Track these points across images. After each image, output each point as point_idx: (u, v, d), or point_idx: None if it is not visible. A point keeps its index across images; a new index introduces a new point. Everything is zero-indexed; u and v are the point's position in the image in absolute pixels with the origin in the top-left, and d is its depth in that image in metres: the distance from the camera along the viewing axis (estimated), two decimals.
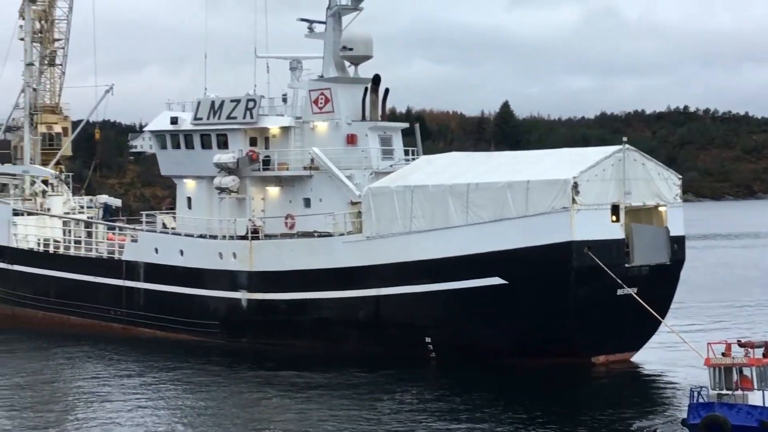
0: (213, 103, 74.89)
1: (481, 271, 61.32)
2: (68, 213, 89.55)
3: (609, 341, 60.87)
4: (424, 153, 74.52)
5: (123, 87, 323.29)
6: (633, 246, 61.28)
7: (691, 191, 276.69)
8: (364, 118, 72.53)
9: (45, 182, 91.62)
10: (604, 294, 59.70)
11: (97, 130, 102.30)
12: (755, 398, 41.66)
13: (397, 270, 64.42)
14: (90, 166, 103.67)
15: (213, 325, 72.54)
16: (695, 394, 42.45)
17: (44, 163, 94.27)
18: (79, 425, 49.54)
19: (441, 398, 53.90)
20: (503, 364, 60.36)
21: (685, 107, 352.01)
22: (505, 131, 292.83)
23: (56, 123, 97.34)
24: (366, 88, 72.80)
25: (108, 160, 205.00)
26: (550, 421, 48.58)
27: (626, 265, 60.82)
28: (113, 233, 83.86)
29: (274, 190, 73.52)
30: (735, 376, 42.12)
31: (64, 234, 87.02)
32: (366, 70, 73.71)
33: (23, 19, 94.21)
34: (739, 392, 41.89)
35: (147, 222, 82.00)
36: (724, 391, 42.09)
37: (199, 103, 75.69)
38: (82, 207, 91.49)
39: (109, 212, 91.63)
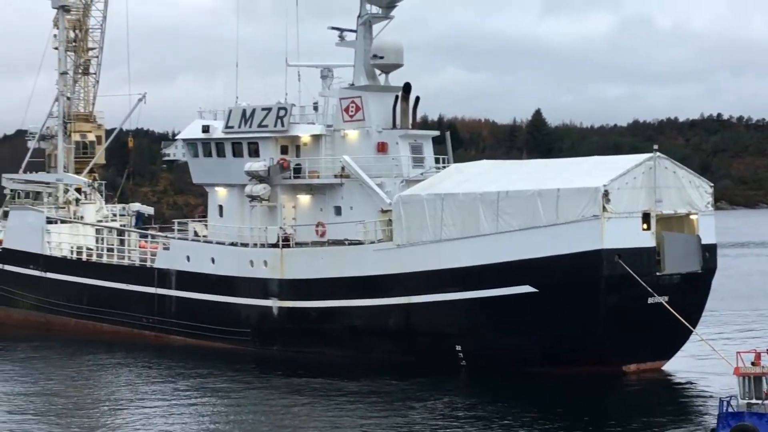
0: (244, 111, 75.13)
1: (512, 279, 61.25)
2: (101, 221, 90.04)
3: (640, 350, 60.67)
4: (456, 161, 74.41)
5: (156, 95, 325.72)
6: (664, 254, 61.08)
7: (725, 199, 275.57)
8: (394, 126, 72.65)
9: (78, 190, 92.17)
10: (635, 302, 59.47)
11: (131, 138, 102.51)
12: None
13: (427, 278, 64.44)
14: (123, 174, 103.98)
15: (244, 332, 72.72)
16: (725, 403, 42.27)
17: (78, 172, 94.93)
18: (112, 431, 49.99)
19: (472, 406, 53.84)
20: (534, 372, 60.27)
21: (719, 115, 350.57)
22: (538, 139, 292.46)
23: (90, 131, 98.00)
24: (397, 96, 72.90)
25: (141, 168, 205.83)
26: (581, 428, 48.57)
27: (657, 274, 60.65)
28: (145, 241, 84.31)
29: (304, 198, 73.71)
30: (765, 386, 41.87)
31: (97, 242, 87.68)
32: (397, 78, 74.00)
33: (57, 28, 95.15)
34: None
35: (179, 230, 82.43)
36: (754, 401, 41.89)
37: (230, 112, 75.94)
38: (114, 215, 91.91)
39: (141, 220, 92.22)
